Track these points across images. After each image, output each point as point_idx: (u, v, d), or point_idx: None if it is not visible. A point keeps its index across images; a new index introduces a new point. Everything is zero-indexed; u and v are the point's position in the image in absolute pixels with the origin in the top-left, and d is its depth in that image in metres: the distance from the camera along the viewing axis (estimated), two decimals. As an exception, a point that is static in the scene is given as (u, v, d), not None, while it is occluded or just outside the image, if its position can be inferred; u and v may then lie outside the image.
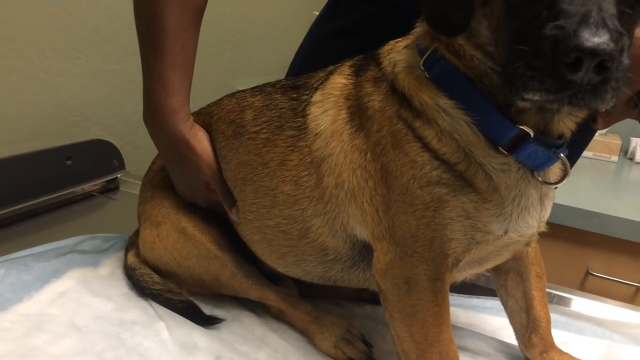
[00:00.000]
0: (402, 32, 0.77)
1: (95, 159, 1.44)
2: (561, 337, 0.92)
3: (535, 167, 0.67)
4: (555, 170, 0.71)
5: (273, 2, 2.00)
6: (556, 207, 1.56)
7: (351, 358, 0.84)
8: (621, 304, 1.10)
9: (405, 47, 0.73)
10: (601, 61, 0.48)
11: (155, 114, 0.88)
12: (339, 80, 0.78)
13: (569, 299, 1.12)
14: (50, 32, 1.31)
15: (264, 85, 0.91)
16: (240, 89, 2.08)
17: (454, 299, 1.05)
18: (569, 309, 1.08)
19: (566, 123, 0.67)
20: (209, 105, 0.97)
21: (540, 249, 1.74)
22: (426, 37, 0.70)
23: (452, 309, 1.00)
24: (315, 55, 1.13)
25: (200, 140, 0.89)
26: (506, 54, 0.57)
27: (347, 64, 0.80)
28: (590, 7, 0.49)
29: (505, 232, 0.69)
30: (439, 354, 0.71)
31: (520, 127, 0.64)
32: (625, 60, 0.51)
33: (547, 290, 1.10)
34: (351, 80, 0.77)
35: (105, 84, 1.49)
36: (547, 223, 1.58)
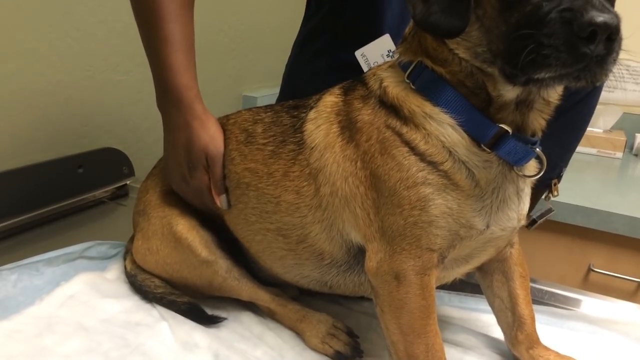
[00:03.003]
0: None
1: (106, 167, 1.49)
2: (552, 334, 0.95)
3: (515, 162, 0.73)
4: (530, 165, 0.77)
5: (277, 11, 2.05)
6: (557, 204, 1.60)
7: (338, 351, 0.88)
8: (614, 300, 1.12)
9: (389, 66, 0.80)
10: (610, 34, 0.57)
11: (168, 96, 0.93)
12: (330, 99, 0.85)
13: (562, 296, 1.14)
14: (60, 47, 1.37)
15: (276, 104, 0.97)
16: (246, 95, 2.13)
17: (448, 297, 1.08)
18: (562, 306, 1.11)
19: (538, 120, 0.75)
20: (226, 115, 1.02)
21: (542, 246, 1.77)
22: (407, 54, 0.77)
23: (446, 307, 1.05)
24: (298, 63, 1.19)
25: (210, 120, 0.94)
26: (506, 45, 0.64)
27: (337, 86, 0.86)
28: None
29: (487, 226, 0.75)
30: (425, 345, 0.75)
31: (500, 125, 0.71)
32: (622, 36, 0.60)
33: (540, 287, 1.14)
34: (341, 99, 0.83)
35: (114, 95, 1.55)
36: (548, 220, 1.60)
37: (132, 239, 1.06)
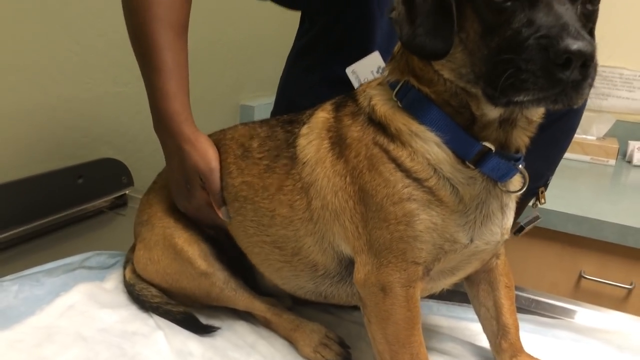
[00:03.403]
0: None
1: (105, 177, 1.52)
2: (537, 343, 0.98)
3: (498, 178, 0.76)
4: (515, 180, 0.79)
5: (272, 22, 2.08)
6: (548, 212, 1.63)
7: None
8: (600, 309, 1.15)
9: (378, 84, 0.82)
10: (584, 60, 0.59)
11: (161, 120, 0.97)
12: (322, 115, 0.87)
13: (548, 304, 1.17)
14: (60, 60, 1.41)
15: (271, 119, 1.00)
16: (243, 104, 2.17)
17: (437, 306, 1.11)
18: (549, 315, 1.14)
19: (522, 137, 0.77)
20: (222, 130, 1.06)
21: (534, 253, 1.79)
22: (394, 73, 0.80)
23: (435, 317, 1.08)
24: (291, 77, 1.22)
25: (199, 140, 0.97)
26: (488, 68, 0.67)
27: (329, 102, 0.89)
28: (565, 21, 0.61)
29: (471, 240, 0.77)
30: (409, 355, 0.78)
31: (483, 143, 0.73)
32: (597, 62, 0.62)
33: (527, 295, 1.17)
34: (332, 115, 0.86)
35: (113, 106, 1.58)
36: (540, 228, 1.63)
37: (132, 249, 1.09)
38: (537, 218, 1.32)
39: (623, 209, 1.70)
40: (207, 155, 0.96)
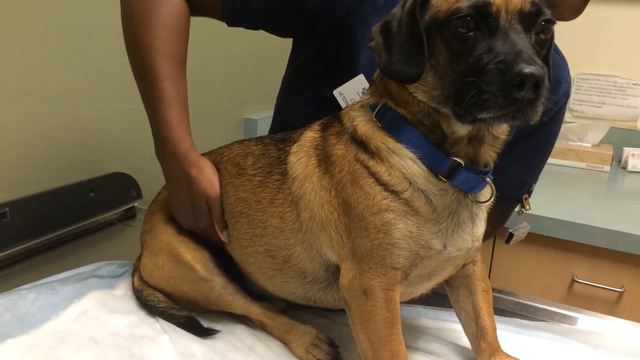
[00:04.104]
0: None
1: (115, 190, 1.61)
2: (517, 342, 1.04)
3: (468, 190, 0.84)
4: (484, 192, 0.87)
5: (273, 39, 2.16)
6: (540, 218, 1.69)
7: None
8: (580, 311, 1.21)
9: (360, 106, 0.90)
10: (536, 82, 0.67)
11: (163, 147, 1.05)
12: (310, 134, 0.95)
13: (532, 307, 1.23)
14: (71, 81, 1.50)
15: (265, 136, 1.08)
16: (247, 117, 2.25)
17: (425, 311, 1.17)
18: (530, 316, 1.20)
19: (489, 153, 0.85)
20: (220, 148, 1.13)
21: (527, 258, 1.86)
22: (374, 96, 0.88)
23: (423, 319, 1.14)
24: (285, 98, 1.30)
25: (205, 166, 1.04)
26: (455, 89, 0.75)
27: (317, 122, 0.97)
28: (520, 49, 0.69)
29: (445, 247, 0.85)
30: (390, 352, 0.85)
31: (454, 158, 0.81)
32: (547, 84, 0.70)
33: (511, 298, 1.23)
34: (319, 135, 0.94)
35: (122, 123, 1.67)
36: (532, 234, 1.69)
37: (139, 258, 1.16)
38: (525, 227, 1.39)
39: (614, 215, 1.76)
40: (215, 182, 1.03)
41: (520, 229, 1.38)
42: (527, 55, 0.68)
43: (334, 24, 1.07)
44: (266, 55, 2.24)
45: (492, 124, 0.78)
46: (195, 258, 1.04)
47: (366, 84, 1.06)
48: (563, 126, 2.28)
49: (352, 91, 1.06)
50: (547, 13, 0.75)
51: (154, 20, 1.01)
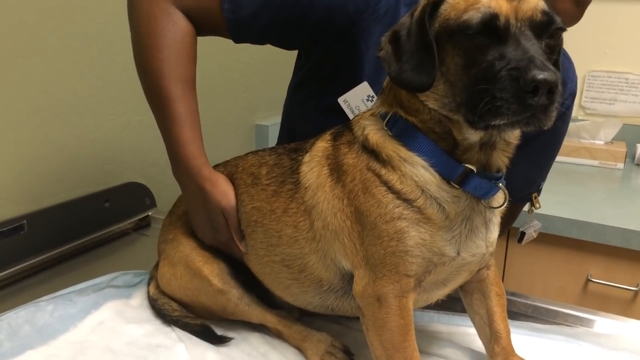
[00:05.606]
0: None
1: (130, 200, 1.63)
2: (531, 344, 1.04)
3: (481, 196, 0.84)
4: (497, 197, 0.87)
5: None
6: (553, 219, 1.68)
7: None
8: (594, 312, 1.21)
9: (371, 115, 0.91)
10: (550, 88, 0.68)
11: (180, 164, 1.06)
12: (322, 144, 0.96)
13: (544, 309, 1.23)
14: (85, 95, 1.53)
15: (278, 146, 1.09)
16: (258, 124, 2.27)
17: (437, 316, 1.17)
18: (543, 319, 1.20)
19: (501, 158, 0.85)
20: (234, 159, 1.14)
21: (541, 259, 1.85)
22: (384, 105, 0.89)
23: (436, 324, 1.15)
24: (292, 106, 1.32)
25: (219, 179, 1.06)
26: (467, 96, 0.75)
27: (329, 132, 0.98)
28: (532, 55, 0.69)
29: (458, 253, 0.85)
30: (404, 358, 0.85)
31: (465, 165, 0.82)
32: (561, 89, 0.70)
33: (524, 300, 1.23)
34: (331, 144, 0.95)
35: (135, 134, 1.70)
36: (546, 234, 1.68)
37: (155, 267, 1.18)
38: (537, 225, 1.39)
39: (628, 213, 1.75)
40: (229, 193, 1.05)
41: (532, 228, 1.38)
42: (540, 62, 0.69)
43: (337, 35, 1.08)
44: (276, 62, 2.25)
45: (505, 130, 0.78)
46: (212, 272, 1.05)
47: (370, 91, 1.07)
48: (575, 124, 2.28)
49: (357, 98, 1.07)
50: (559, 22, 0.75)
51: (161, 44, 1.03)
